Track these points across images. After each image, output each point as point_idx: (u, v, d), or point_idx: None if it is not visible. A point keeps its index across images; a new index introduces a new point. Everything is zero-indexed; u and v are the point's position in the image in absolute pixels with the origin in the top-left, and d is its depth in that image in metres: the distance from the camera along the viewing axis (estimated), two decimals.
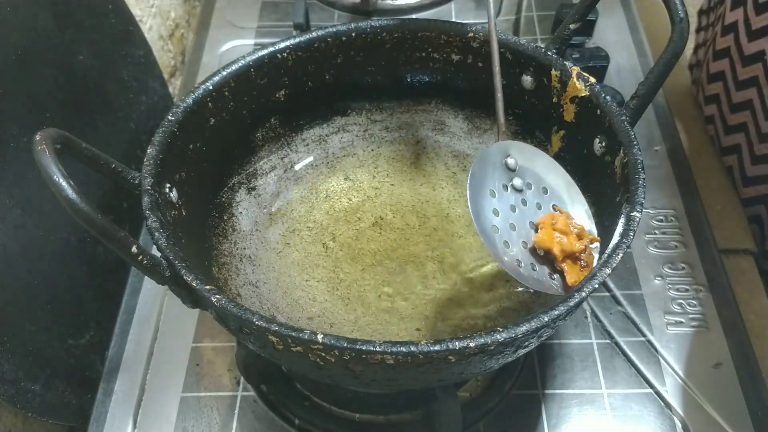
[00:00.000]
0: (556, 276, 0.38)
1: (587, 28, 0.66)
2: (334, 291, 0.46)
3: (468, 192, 0.38)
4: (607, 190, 0.41)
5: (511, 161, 0.41)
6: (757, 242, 0.56)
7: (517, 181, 0.41)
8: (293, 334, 0.31)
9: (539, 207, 0.40)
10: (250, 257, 0.47)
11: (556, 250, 0.37)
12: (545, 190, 0.41)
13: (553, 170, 0.41)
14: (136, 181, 0.38)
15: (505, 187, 0.40)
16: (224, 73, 0.45)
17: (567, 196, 0.41)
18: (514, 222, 0.39)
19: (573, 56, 0.59)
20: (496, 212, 0.39)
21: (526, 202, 0.40)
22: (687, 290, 0.50)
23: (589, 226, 0.40)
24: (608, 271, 0.34)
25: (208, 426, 0.45)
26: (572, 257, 0.38)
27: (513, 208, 0.39)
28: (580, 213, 0.40)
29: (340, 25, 0.49)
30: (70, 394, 0.47)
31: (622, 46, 0.68)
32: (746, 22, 0.55)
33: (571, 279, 0.37)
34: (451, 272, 0.46)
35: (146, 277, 0.40)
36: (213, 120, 0.45)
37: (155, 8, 0.72)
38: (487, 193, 0.39)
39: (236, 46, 0.71)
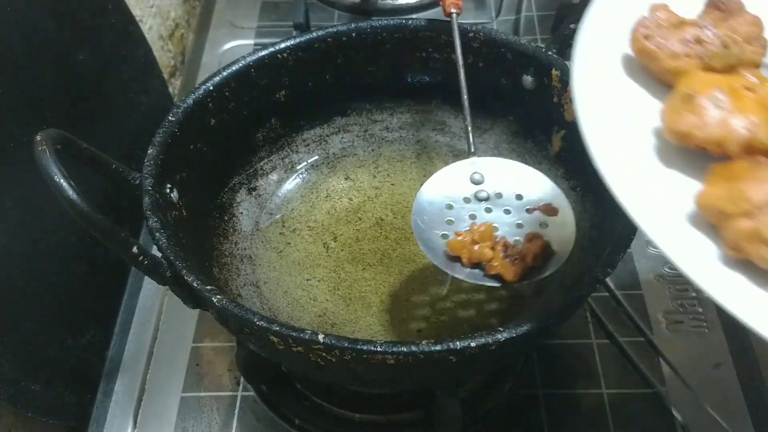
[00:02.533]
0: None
1: None
2: (335, 291, 0.46)
3: (413, 207, 0.40)
4: (608, 190, 0.40)
5: (476, 176, 0.42)
6: None
7: (483, 193, 0.42)
8: (294, 334, 0.31)
9: (507, 212, 0.41)
10: (250, 257, 0.47)
11: (464, 258, 0.39)
12: (519, 197, 0.41)
13: (526, 175, 0.42)
14: (137, 182, 0.38)
15: (467, 199, 0.41)
16: (225, 73, 0.45)
17: (544, 195, 0.41)
18: (463, 230, 0.40)
19: None
20: (450, 222, 0.40)
21: (491, 210, 0.41)
22: (687, 290, 0.50)
23: (569, 216, 0.40)
24: (609, 270, 0.34)
25: (208, 426, 0.45)
26: (497, 259, 0.38)
27: (472, 217, 0.41)
28: (561, 206, 0.41)
29: (340, 25, 0.49)
30: (70, 394, 0.47)
31: None
32: None
33: (507, 276, 0.38)
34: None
35: (146, 277, 0.40)
36: (213, 120, 0.45)
37: (155, 8, 0.72)
38: (442, 206, 0.41)
39: (236, 46, 0.71)
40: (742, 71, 0.28)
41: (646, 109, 0.28)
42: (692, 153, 0.26)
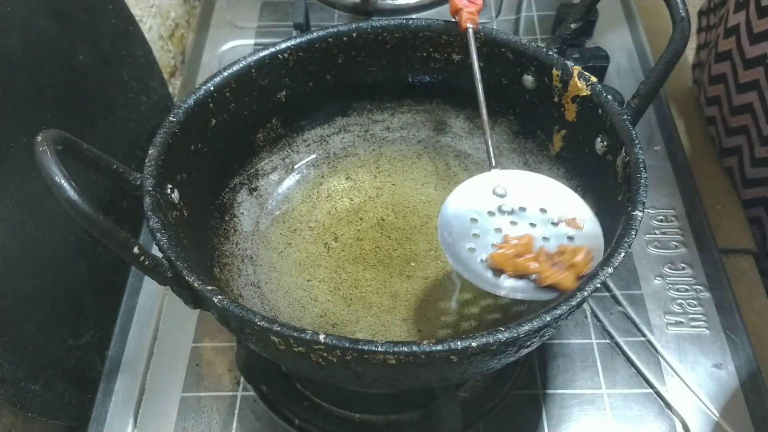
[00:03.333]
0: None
1: (587, 28, 0.66)
2: (336, 291, 0.46)
3: (440, 222, 0.39)
4: (608, 190, 0.41)
5: (499, 189, 0.42)
6: (758, 243, 0.56)
7: (507, 206, 0.41)
8: (295, 334, 0.31)
9: (533, 226, 0.40)
10: (251, 258, 0.47)
11: (509, 271, 0.38)
12: (543, 210, 0.41)
13: (549, 188, 0.42)
14: (138, 182, 0.38)
15: (491, 213, 0.41)
16: (225, 73, 0.45)
17: (569, 208, 0.40)
18: (497, 242, 0.39)
19: (573, 56, 0.59)
20: (476, 235, 0.40)
21: (516, 223, 0.40)
22: (687, 290, 0.50)
23: (595, 229, 0.39)
24: (610, 270, 0.34)
25: (208, 426, 0.45)
26: (546, 270, 0.38)
27: (498, 230, 0.40)
28: (586, 219, 0.40)
29: (340, 25, 0.49)
30: (70, 394, 0.47)
31: (622, 46, 0.68)
32: (748, 26, 0.55)
33: (565, 285, 0.37)
34: (453, 272, 0.46)
35: (146, 277, 0.40)
36: (214, 121, 0.45)
37: (155, 8, 0.72)
38: (466, 219, 0.40)
39: (236, 46, 0.71)
40: None
41: None
42: None
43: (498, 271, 0.38)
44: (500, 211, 0.41)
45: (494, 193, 0.42)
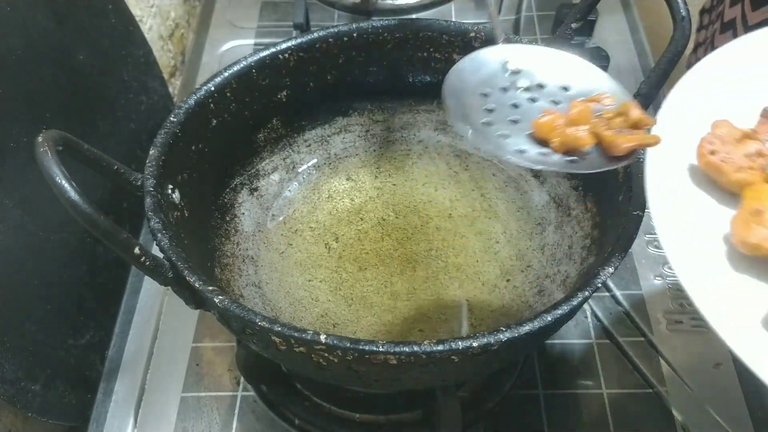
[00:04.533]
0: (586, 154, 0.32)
1: (587, 28, 0.67)
2: (337, 291, 0.46)
3: (443, 90, 0.34)
4: (609, 190, 0.41)
5: (511, 64, 0.36)
6: None
7: (523, 82, 0.36)
8: (296, 334, 0.31)
9: (556, 103, 0.35)
10: (252, 258, 0.47)
11: (555, 142, 0.32)
12: (565, 88, 0.36)
13: (568, 63, 0.36)
14: (138, 183, 0.38)
15: (505, 89, 0.36)
16: (226, 74, 0.45)
17: (593, 84, 0.35)
18: (518, 117, 0.34)
19: None
20: (489, 110, 0.35)
21: (536, 100, 0.35)
22: None
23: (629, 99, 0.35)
24: (610, 270, 0.34)
25: (208, 426, 0.45)
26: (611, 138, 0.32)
27: (515, 105, 0.35)
28: (616, 93, 0.35)
29: (341, 25, 0.49)
30: (70, 394, 0.47)
31: (622, 46, 0.68)
32: (743, 18, 0.55)
33: (650, 141, 0.31)
34: (454, 272, 0.47)
35: (146, 277, 0.40)
36: (215, 121, 0.45)
37: (155, 8, 0.71)
38: (476, 93, 0.35)
39: (236, 46, 0.71)
40: None
41: (717, 217, 0.31)
42: (762, 260, 0.29)
43: (541, 142, 0.33)
44: (515, 87, 0.36)
45: (505, 69, 0.36)
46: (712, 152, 0.31)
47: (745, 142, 0.32)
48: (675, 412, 0.44)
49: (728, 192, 0.31)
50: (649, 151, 0.32)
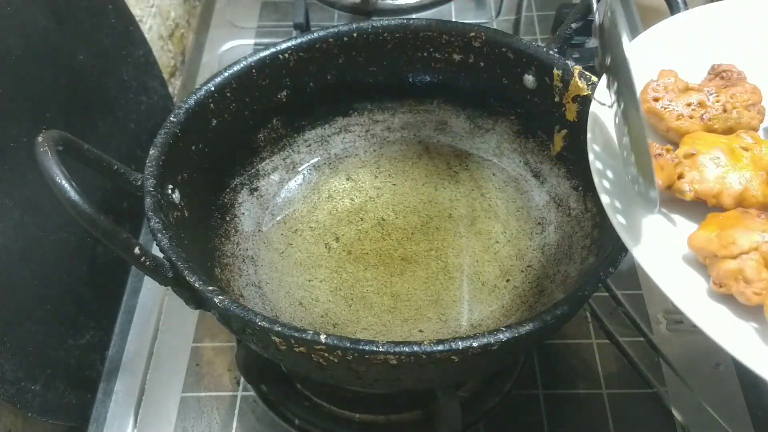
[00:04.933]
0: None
1: (587, 28, 0.66)
2: (337, 291, 0.46)
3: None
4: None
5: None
6: None
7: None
8: (296, 334, 0.31)
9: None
10: (252, 258, 0.47)
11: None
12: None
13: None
14: (139, 183, 0.38)
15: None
16: (226, 74, 0.45)
17: None
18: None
19: (573, 56, 0.59)
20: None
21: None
22: None
23: None
24: (611, 270, 0.34)
25: (208, 426, 0.45)
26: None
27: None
28: None
29: (341, 25, 0.49)
30: (70, 394, 0.47)
31: None
32: None
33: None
34: (454, 272, 0.47)
35: (146, 276, 0.40)
36: (215, 121, 0.45)
37: (155, 8, 0.71)
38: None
39: (236, 46, 0.71)
40: (740, 133, 0.31)
41: None
42: (692, 204, 0.29)
43: None
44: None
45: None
46: (656, 99, 0.32)
47: (689, 93, 0.32)
48: (675, 412, 0.44)
49: (668, 140, 0.31)
50: (594, 95, 0.32)
